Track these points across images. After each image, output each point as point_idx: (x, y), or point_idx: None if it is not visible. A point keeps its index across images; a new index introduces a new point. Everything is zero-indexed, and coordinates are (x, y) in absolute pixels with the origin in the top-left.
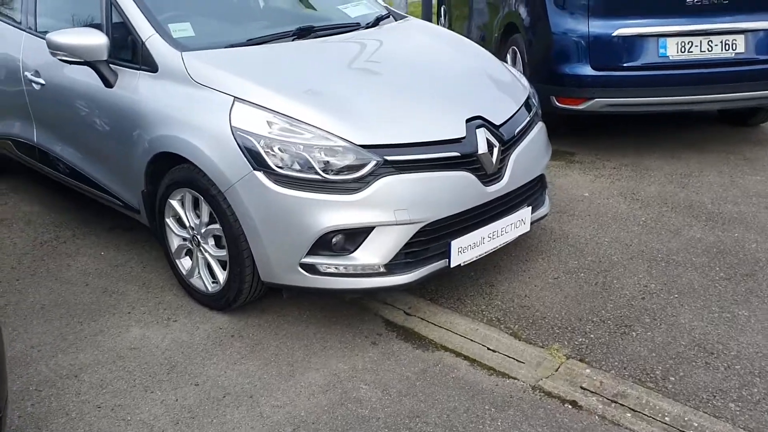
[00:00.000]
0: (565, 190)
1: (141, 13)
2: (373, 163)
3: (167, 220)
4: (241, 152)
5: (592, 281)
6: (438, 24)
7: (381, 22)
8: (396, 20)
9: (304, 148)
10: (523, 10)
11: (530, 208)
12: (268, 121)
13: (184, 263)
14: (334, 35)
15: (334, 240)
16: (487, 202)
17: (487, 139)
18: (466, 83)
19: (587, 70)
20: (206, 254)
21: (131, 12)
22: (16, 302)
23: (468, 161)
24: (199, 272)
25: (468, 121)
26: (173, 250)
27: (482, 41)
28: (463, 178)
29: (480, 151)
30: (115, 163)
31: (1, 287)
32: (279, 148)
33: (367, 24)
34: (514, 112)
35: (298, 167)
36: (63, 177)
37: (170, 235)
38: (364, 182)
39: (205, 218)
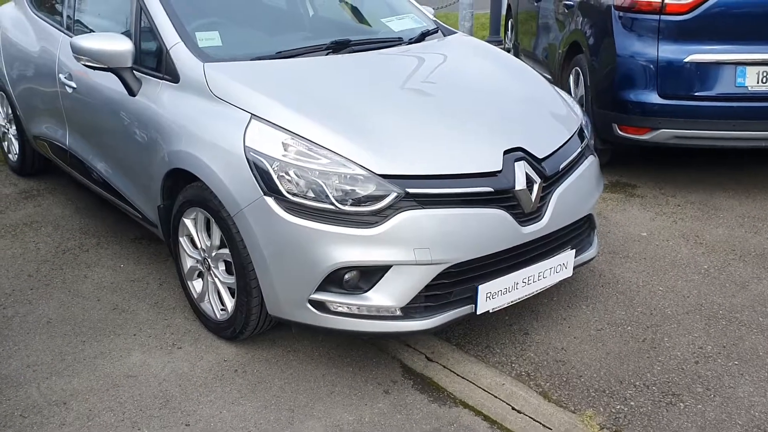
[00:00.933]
0: (622, 228)
1: (168, 20)
2: (393, 195)
3: (181, 240)
4: (252, 175)
5: (640, 337)
6: (505, 39)
7: (426, 38)
8: (444, 35)
9: (320, 174)
10: (588, 29)
11: (574, 251)
12: (284, 143)
13: (196, 286)
14: (372, 50)
15: (346, 277)
16: (523, 243)
17: (527, 173)
18: (511, 109)
19: (654, 98)
20: (216, 279)
21: (159, 18)
22: (24, 314)
23: (503, 198)
24: (209, 297)
25: (507, 152)
26: (185, 271)
27: (546, 59)
28: (496, 216)
29: (517, 187)
30: (135, 174)
31: (13, 297)
32: (294, 173)
33: (411, 39)
34: (562, 143)
35: (312, 195)
36: (89, 183)
37: (183, 255)
38: (382, 216)
39: (216, 241)
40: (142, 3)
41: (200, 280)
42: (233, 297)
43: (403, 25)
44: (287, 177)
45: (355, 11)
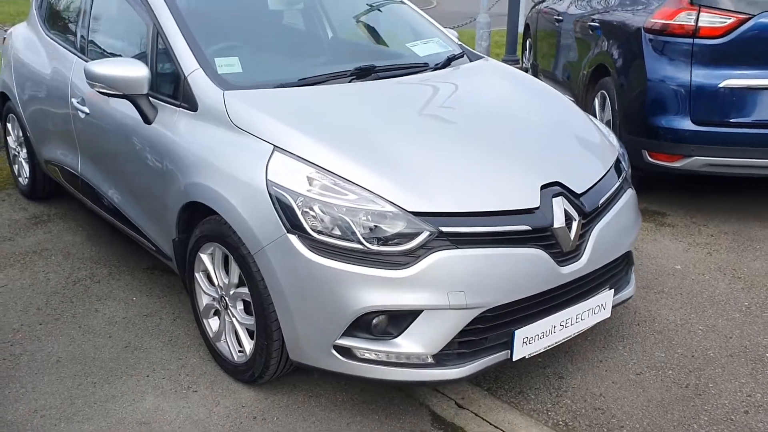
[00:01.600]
0: (654, 260)
1: (186, 45)
2: (425, 234)
3: (196, 275)
4: (275, 210)
5: (683, 382)
6: (522, 58)
7: (453, 63)
8: (471, 60)
9: (347, 211)
10: (616, 51)
11: (612, 290)
12: (308, 177)
13: (212, 324)
14: (397, 77)
15: (374, 321)
16: (561, 285)
17: (566, 210)
18: (546, 141)
19: (686, 124)
20: (234, 319)
21: (176, 42)
22: (32, 352)
23: (541, 236)
24: (225, 337)
25: (543, 187)
26: (201, 309)
27: (568, 80)
28: (534, 256)
29: (556, 225)
30: (150, 205)
31: (22, 332)
32: (319, 209)
33: (437, 65)
34: (600, 177)
35: (338, 233)
36: (100, 211)
37: (199, 291)
38: (413, 256)
39: (235, 279)
40: (158, 26)
41: (216, 318)
42: (252, 339)
43: (428, 50)
44: (312, 213)
45: (378, 34)
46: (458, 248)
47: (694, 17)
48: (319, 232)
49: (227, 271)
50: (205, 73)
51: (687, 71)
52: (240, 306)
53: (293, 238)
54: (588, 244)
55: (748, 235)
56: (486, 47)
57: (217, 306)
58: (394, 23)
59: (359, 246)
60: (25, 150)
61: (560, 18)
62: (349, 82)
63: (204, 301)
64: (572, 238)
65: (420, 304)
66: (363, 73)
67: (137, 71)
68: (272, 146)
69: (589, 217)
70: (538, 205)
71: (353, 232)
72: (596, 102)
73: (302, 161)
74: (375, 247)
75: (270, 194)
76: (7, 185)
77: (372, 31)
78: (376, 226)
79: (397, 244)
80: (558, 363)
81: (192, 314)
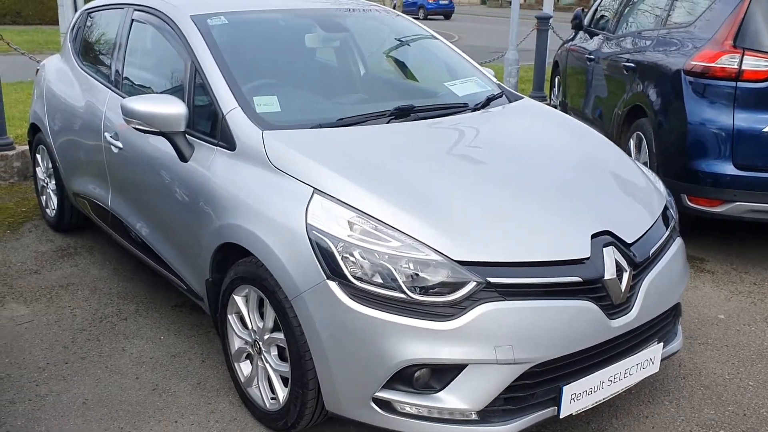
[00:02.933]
0: (696, 309)
1: (225, 83)
2: (472, 284)
3: (229, 317)
4: (314, 255)
5: None
6: (550, 95)
7: (492, 103)
8: (510, 101)
9: (390, 258)
10: (653, 93)
11: (661, 344)
12: (349, 222)
13: (244, 368)
14: (437, 117)
15: (416, 375)
16: (611, 338)
17: (616, 260)
18: (594, 187)
19: (729, 169)
20: (267, 365)
21: (215, 80)
22: (58, 393)
23: (591, 288)
24: (257, 383)
25: (593, 236)
26: (232, 352)
27: (600, 119)
28: (585, 309)
29: (607, 276)
30: (183, 243)
31: (48, 372)
32: (360, 255)
33: (476, 105)
34: (650, 226)
35: (379, 280)
36: (130, 246)
37: (231, 334)
38: (459, 307)
39: (270, 324)
40: (197, 63)
41: (249, 362)
42: (286, 386)
43: (467, 89)
44: (352, 259)
45: (414, 72)
46: (506, 300)
47: (738, 60)
48: (360, 279)
49: (262, 315)
50: (244, 112)
51: (729, 115)
52: (274, 351)
53: (333, 285)
54: (638, 296)
55: None
56: (514, 84)
57: (250, 350)
58: (430, 60)
59: (402, 295)
60: (53, 181)
61: (592, 57)
62: (387, 122)
63: (236, 344)
64: (623, 290)
65: (465, 358)
66: (401, 114)
67: (175, 108)
68: (312, 189)
69: (640, 268)
70: (588, 256)
71: (395, 280)
72: (632, 143)
73: (343, 205)
74: (418, 297)
75: (309, 239)
76: (33, 216)
77: (408, 68)
78: (420, 275)
79: (441, 294)
80: (602, 418)
81: (222, 356)
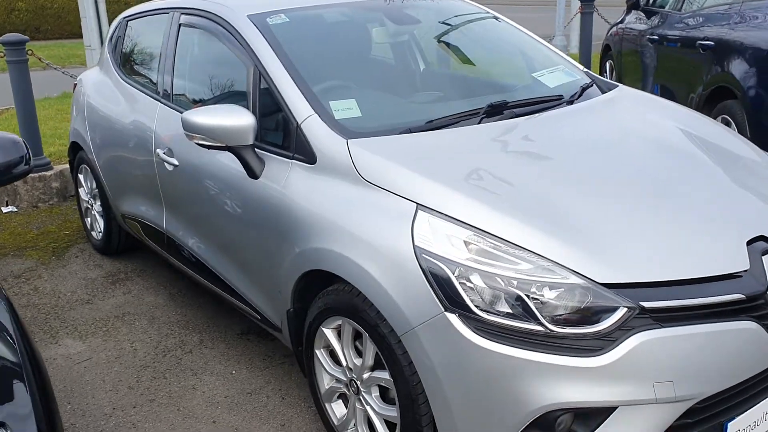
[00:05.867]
0: None
1: (297, 88)
2: (624, 310)
3: (317, 352)
4: (427, 284)
5: None
6: None
7: (585, 93)
8: (602, 90)
9: (519, 283)
10: (742, 72)
11: None
12: (466, 242)
13: (336, 410)
14: (533, 113)
15: (558, 420)
16: None
17: None
18: (736, 185)
19: None
20: (367, 407)
21: (284, 86)
22: None
23: (753, 305)
24: (355, 426)
25: (748, 243)
26: (323, 392)
27: None
28: (749, 331)
29: None
30: (255, 270)
31: (115, 418)
32: (482, 281)
33: (572, 96)
34: None
35: (507, 310)
36: (191, 273)
37: (320, 371)
38: (609, 339)
39: (369, 361)
40: (261, 68)
41: (341, 402)
42: (389, 431)
43: (557, 80)
44: (471, 285)
45: (494, 63)
46: (663, 327)
47: None
48: (486, 311)
49: (359, 351)
50: (322, 120)
51: None
52: (376, 392)
53: (453, 318)
54: None
55: None
56: None
57: (345, 390)
58: (509, 50)
59: (539, 327)
60: (99, 203)
61: (654, 37)
62: (479, 122)
63: (326, 382)
64: None
65: (618, 399)
66: (494, 111)
67: (242, 120)
68: (415, 204)
69: None
70: (748, 267)
71: (530, 311)
72: None
73: (456, 222)
74: (560, 329)
75: (420, 264)
76: (78, 239)
77: (490, 60)
78: (559, 303)
79: (586, 324)
80: None
81: (303, 391)
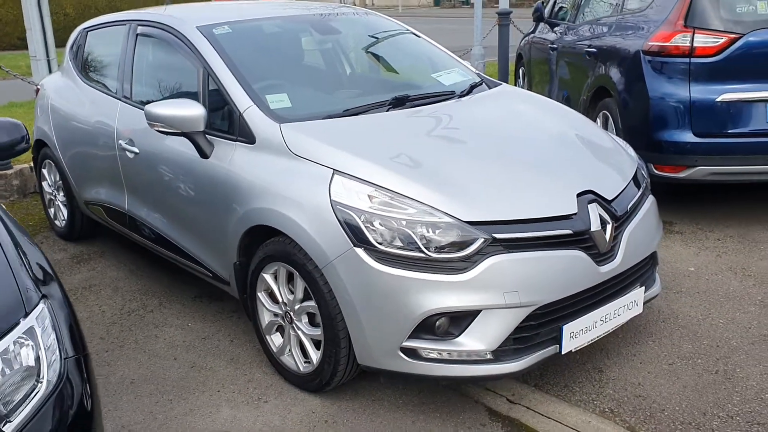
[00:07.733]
0: (669, 264)
1: (238, 84)
2: (480, 240)
3: (259, 294)
4: (341, 227)
5: (712, 369)
6: (515, 86)
7: (474, 90)
8: (489, 87)
9: (407, 224)
10: (615, 73)
11: (643, 288)
12: (369, 195)
13: (275, 340)
14: (429, 104)
15: (437, 323)
16: (600, 282)
17: (600, 214)
18: (574, 155)
19: (688, 137)
20: (299, 332)
21: (228, 83)
22: (106, 375)
23: (580, 239)
24: (290, 350)
25: (579, 195)
26: (264, 326)
27: (567, 103)
28: (576, 257)
29: (593, 228)
30: (206, 233)
31: (92, 359)
32: (380, 224)
33: (462, 92)
34: (625, 185)
35: (399, 244)
36: (151, 244)
37: (261, 310)
38: (471, 261)
39: (300, 294)
40: (209, 69)
41: (279, 333)
42: (318, 348)
43: (452, 79)
44: (374, 227)
45: (402, 66)
46: (510, 252)
47: (689, 39)
48: (382, 244)
49: (291, 288)
50: (260, 109)
51: (686, 88)
52: (305, 319)
53: (360, 251)
54: (621, 245)
55: (752, 238)
56: None
57: (281, 322)
58: (416, 55)
59: (421, 254)
60: (62, 194)
61: (554, 46)
62: (387, 110)
63: (267, 318)
64: (607, 240)
65: (479, 304)
66: (398, 103)
67: (195, 111)
68: (332, 170)
69: (620, 221)
70: (576, 211)
71: (414, 243)
72: (599, 121)
73: (361, 181)
74: (435, 255)
75: (335, 213)
76: (42, 229)
77: (397, 63)
78: (435, 237)
79: (455, 251)
80: (596, 359)
81: (249, 335)
